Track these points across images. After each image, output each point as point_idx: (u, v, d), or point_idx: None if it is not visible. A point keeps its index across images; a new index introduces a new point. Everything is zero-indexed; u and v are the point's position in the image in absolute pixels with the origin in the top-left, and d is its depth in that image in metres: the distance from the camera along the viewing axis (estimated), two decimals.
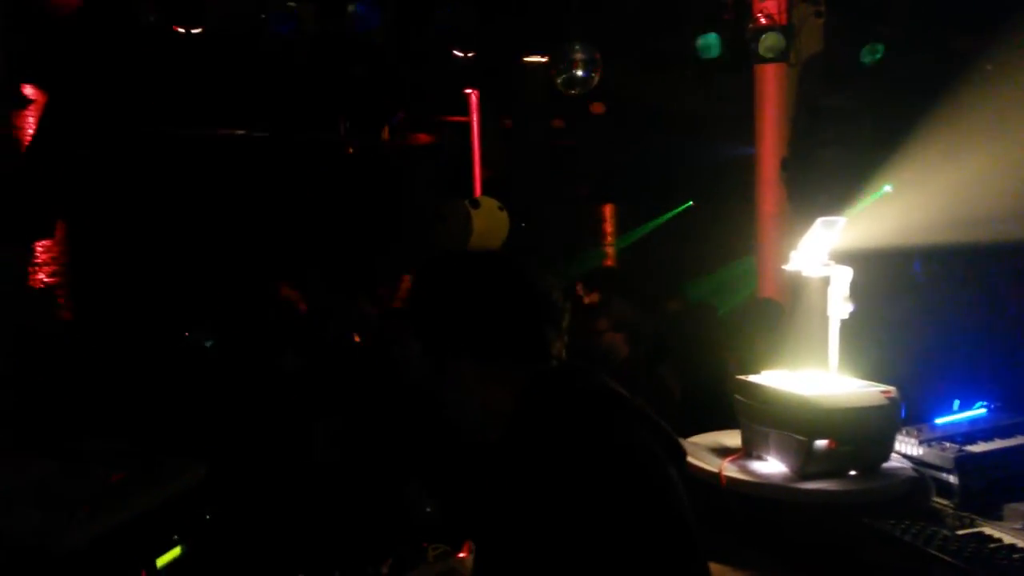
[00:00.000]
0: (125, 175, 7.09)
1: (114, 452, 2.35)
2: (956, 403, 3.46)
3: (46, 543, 1.79)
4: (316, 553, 2.64)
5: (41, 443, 2.35)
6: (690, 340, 4.86)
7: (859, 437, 2.85)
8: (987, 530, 2.66)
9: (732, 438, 3.28)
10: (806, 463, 2.83)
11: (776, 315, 4.75)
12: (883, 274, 6.16)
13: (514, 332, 1.47)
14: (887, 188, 6.99)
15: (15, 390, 4.14)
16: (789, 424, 2.87)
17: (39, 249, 7.41)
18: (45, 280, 7.52)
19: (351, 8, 4.54)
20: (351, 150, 9.12)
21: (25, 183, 4.63)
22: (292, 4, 4.41)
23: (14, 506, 1.92)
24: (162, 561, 2.11)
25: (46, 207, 5.40)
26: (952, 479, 2.92)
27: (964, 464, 2.90)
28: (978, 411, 3.40)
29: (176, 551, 2.17)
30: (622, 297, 5.38)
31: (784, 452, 2.92)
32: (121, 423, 3.05)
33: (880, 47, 5.75)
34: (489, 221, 5.93)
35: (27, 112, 5.95)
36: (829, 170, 5.60)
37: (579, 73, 5.01)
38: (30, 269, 7.22)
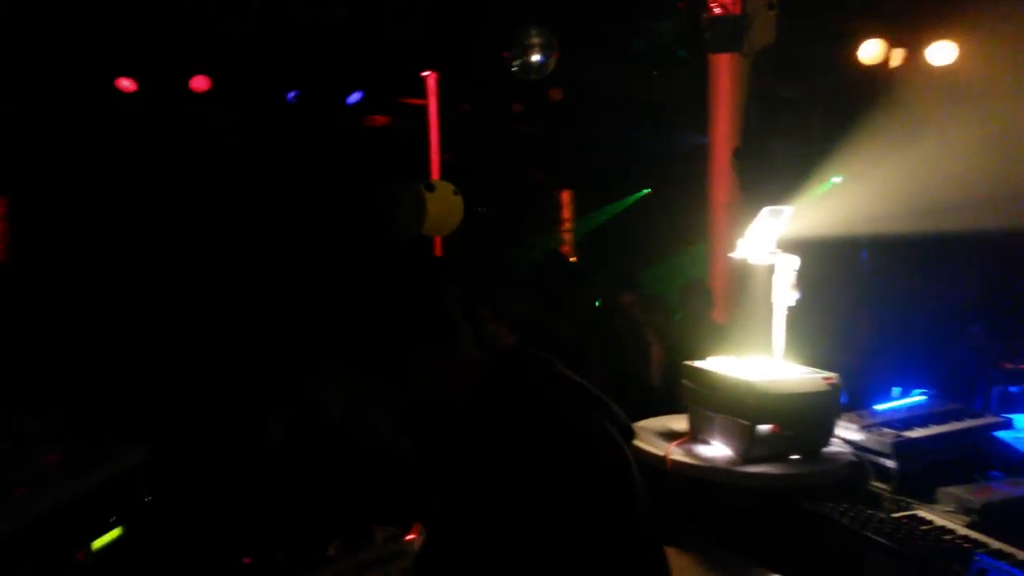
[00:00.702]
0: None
1: (52, 431, 2.29)
2: (896, 390, 3.56)
3: None
4: (261, 534, 2.61)
5: None
6: (637, 331, 4.93)
7: (801, 422, 2.91)
8: (921, 513, 2.74)
9: (680, 422, 3.33)
10: (750, 447, 2.88)
11: (705, 300, 4.83)
12: (832, 263, 6.30)
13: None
14: (835, 179, 7.14)
15: None
16: (734, 409, 2.91)
17: None
18: None
19: None
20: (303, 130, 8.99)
21: None
22: None
23: None
24: (99, 543, 2.08)
25: None
26: (890, 464, 3.00)
27: (901, 449, 2.99)
28: (917, 398, 3.49)
29: (114, 533, 2.13)
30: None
31: (729, 436, 2.97)
32: (60, 400, 2.97)
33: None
34: (444, 205, 5.92)
35: None
36: (780, 160, 5.69)
37: (535, 58, 5.00)
38: None
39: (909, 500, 2.89)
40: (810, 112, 6.00)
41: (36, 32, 5.60)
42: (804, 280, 3.23)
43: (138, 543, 2.19)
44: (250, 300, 5.72)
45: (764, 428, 2.87)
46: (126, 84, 7.75)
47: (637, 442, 3.18)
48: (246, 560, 2.48)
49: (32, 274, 7.20)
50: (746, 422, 2.87)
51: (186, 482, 2.82)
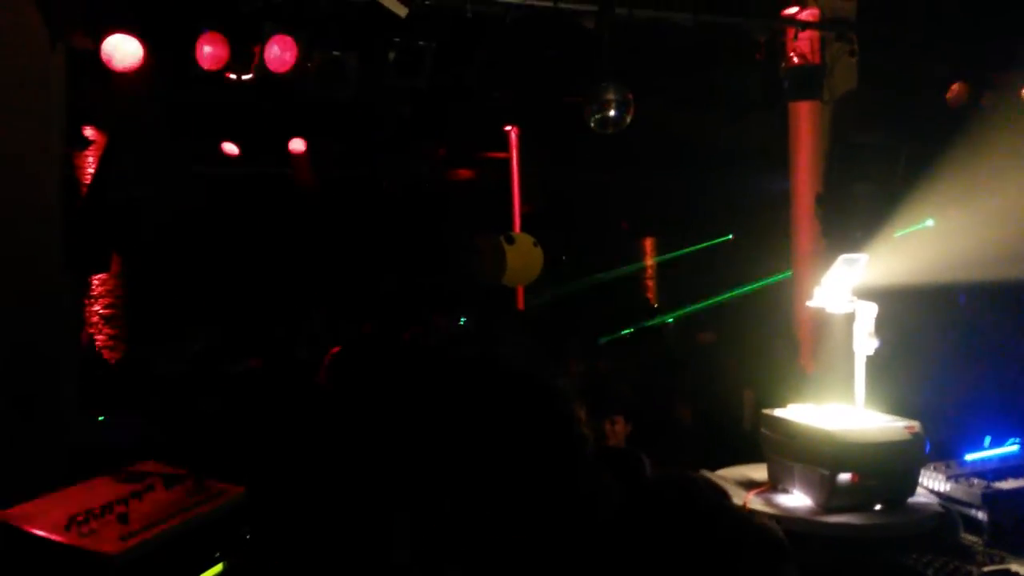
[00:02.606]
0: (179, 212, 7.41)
1: (168, 475, 2.50)
2: (987, 439, 3.46)
3: (108, 552, 1.96)
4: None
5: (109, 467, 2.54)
6: (716, 372, 4.92)
7: (882, 471, 2.88)
8: (1015, 567, 2.66)
9: (759, 471, 3.32)
10: (830, 496, 2.86)
11: (791, 351, 4.79)
12: (928, 309, 6.13)
13: None
14: (929, 222, 6.96)
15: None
16: (812, 457, 2.91)
17: (95, 282, 7.77)
18: (100, 311, 7.86)
19: (392, 55, 4.74)
20: (392, 187, 9.38)
21: (85, 221, 4.90)
22: (336, 53, 4.62)
23: (81, 519, 2.09)
24: None
25: (104, 243, 5.67)
26: (980, 515, 2.92)
27: (992, 500, 2.91)
28: (1010, 448, 3.39)
29: (219, 568, 2.30)
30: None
31: (808, 485, 2.96)
32: (174, 448, 3.22)
33: None
34: (523, 257, 6.08)
35: (87, 153, 6.28)
36: (863, 206, 5.62)
37: (612, 113, 5.14)
38: (86, 300, 7.56)
39: (1004, 554, 2.81)
40: (894, 157, 5.92)
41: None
42: (897, 326, 3.20)
43: None
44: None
45: (844, 477, 2.85)
46: (230, 148, 8.32)
47: None
48: None
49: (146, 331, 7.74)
50: (825, 471, 2.86)
51: (280, 520, 2.99)
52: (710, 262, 11.92)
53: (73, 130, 6.32)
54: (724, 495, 1.55)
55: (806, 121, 6.22)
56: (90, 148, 6.45)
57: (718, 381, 5.10)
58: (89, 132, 6.62)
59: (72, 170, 6.15)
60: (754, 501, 3.03)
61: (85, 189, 5.45)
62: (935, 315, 6.34)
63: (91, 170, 6.14)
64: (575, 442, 1.39)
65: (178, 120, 6.34)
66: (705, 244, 12.16)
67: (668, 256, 12.44)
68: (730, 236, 11.92)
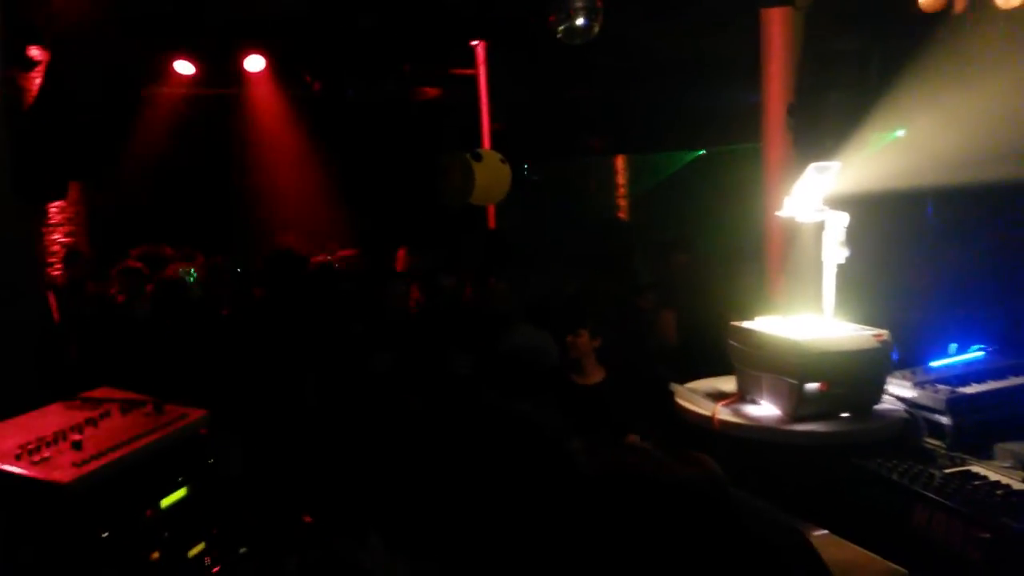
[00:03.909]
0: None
1: (125, 400, 2.44)
2: (953, 347, 3.49)
3: (60, 479, 1.91)
4: (317, 496, 2.74)
5: (64, 394, 2.48)
6: (695, 292, 4.90)
7: (850, 380, 2.89)
8: (975, 468, 2.70)
9: (728, 383, 3.34)
10: (798, 406, 2.88)
11: (752, 268, 4.77)
12: (896, 219, 6.12)
13: None
14: (899, 132, 6.89)
15: (42, 345, 4.27)
16: (781, 367, 2.91)
17: (53, 209, 7.53)
18: (61, 240, 7.64)
19: None
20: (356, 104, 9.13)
21: (32, 144, 4.69)
22: None
23: (33, 447, 2.04)
24: (167, 501, 2.22)
25: (57, 168, 5.46)
26: (944, 420, 2.96)
27: (956, 405, 2.94)
28: (975, 354, 3.42)
29: (181, 492, 2.27)
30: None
31: (776, 395, 2.97)
32: (134, 375, 3.15)
33: None
34: (491, 174, 5.94)
35: (33, 74, 5.99)
36: (835, 114, 5.54)
37: (580, 22, 4.95)
38: (44, 230, 7.34)
39: (964, 456, 2.85)
40: (867, 64, 5.80)
41: None
42: (866, 236, 3.17)
43: (202, 502, 2.33)
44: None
45: (812, 386, 2.86)
46: (185, 67, 8.01)
47: (684, 402, 3.21)
48: (307, 519, 2.61)
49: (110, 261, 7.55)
50: (793, 381, 2.86)
51: (247, 446, 2.97)
52: (683, 179, 11.85)
53: (16, 50, 6.02)
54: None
55: (778, 29, 6.06)
56: (36, 69, 6.15)
57: (699, 301, 5.08)
58: (34, 52, 6.31)
59: (17, 92, 5.88)
60: (722, 411, 3.05)
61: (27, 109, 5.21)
62: (902, 224, 6.35)
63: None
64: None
65: (127, 37, 6.05)
66: (678, 162, 12.07)
67: (640, 174, 12.33)
68: (702, 151, 11.81)
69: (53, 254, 7.58)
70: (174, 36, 7.12)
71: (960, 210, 6.82)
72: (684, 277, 5.55)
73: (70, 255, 7.20)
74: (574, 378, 4.03)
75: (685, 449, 1.64)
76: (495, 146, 7.39)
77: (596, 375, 4.04)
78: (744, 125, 7.08)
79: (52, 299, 5.30)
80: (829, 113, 5.61)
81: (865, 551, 2.36)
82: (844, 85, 5.68)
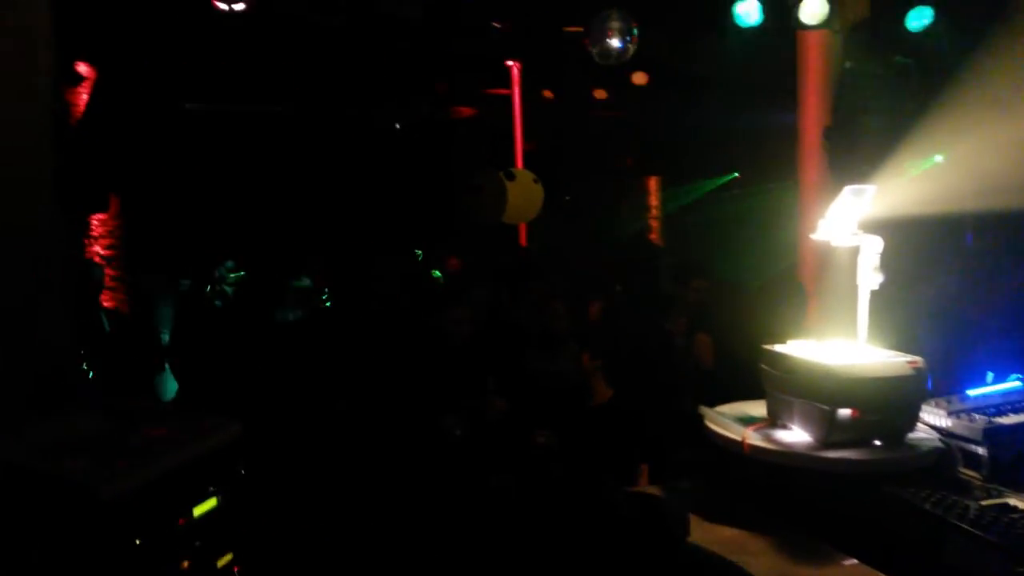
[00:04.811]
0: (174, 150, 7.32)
1: (158, 410, 2.49)
2: (990, 376, 3.42)
3: (94, 487, 1.94)
4: (348, 504, 2.76)
5: (93, 401, 2.52)
6: (715, 318, 4.87)
7: (883, 407, 2.84)
8: (1012, 501, 2.64)
9: (758, 408, 3.30)
10: (829, 432, 2.83)
11: (799, 295, 4.71)
12: (935, 244, 6.04)
13: None
14: (937, 158, 6.81)
15: (73, 353, 4.36)
16: (812, 393, 2.87)
17: (94, 222, 7.70)
18: (100, 252, 7.81)
19: None
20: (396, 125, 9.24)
21: (77, 157, 4.82)
22: None
23: (68, 454, 2.08)
24: (199, 511, 2.25)
25: (99, 181, 5.60)
26: (980, 450, 2.90)
27: (992, 435, 2.88)
28: (1012, 384, 3.35)
29: (212, 502, 2.30)
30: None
31: (808, 421, 2.93)
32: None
33: (928, 10, 5.60)
34: (524, 193, 5.98)
35: (80, 89, 6.16)
36: (872, 138, 5.50)
37: (614, 43, 4.98)
38: (85, 241, 7.51)
39: (1001, 488, 2.79)
40: (904, 88, 5.76)
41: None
42: (903, 262, 3.13)
43: (233, 512, 2.36)
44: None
45: (844, 413, 2.81)
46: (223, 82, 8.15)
47: (714, 426, 3.19)
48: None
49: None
50: (825, 407, 2.82)
51: (275, 455, 3.00)
52: (717, 200, 11.79)
53: (65, 66, 6.21)
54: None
55: (815, 51, 6.05)
56: (82, 84, 6.33)
57: (722, 327, 5.03)
58: (82, 68, 6.49)
59: (65, 107, 6.05)
60: (752, 436, 3.02)
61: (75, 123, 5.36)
62: (941, 250, 6.27)
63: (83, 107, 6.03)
64: None
65: (169, 55, 6.20)
66: (711, 184, 12.02)
67: (673, 196, 12.28)
68: (736, 174, 11.76)
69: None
70: (217, 54, 7.28)
71: (1000, 237, 6.72)
72: (711, 301, 5.50)
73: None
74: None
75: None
76: (527, 165, 7.44)
77: (604, 395, 4.05)
78: (781, 148, 7.06)
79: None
80: (865, 136, 5.56)
81: None
82: (880, 109, 5.63)
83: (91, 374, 4.45)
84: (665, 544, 1.60)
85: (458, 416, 3.88)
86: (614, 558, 1.52)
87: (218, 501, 2.31)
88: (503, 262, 6.11)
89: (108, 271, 7.96)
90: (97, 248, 8.00)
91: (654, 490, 3.21)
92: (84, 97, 6.14)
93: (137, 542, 2.01)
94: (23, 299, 2.76)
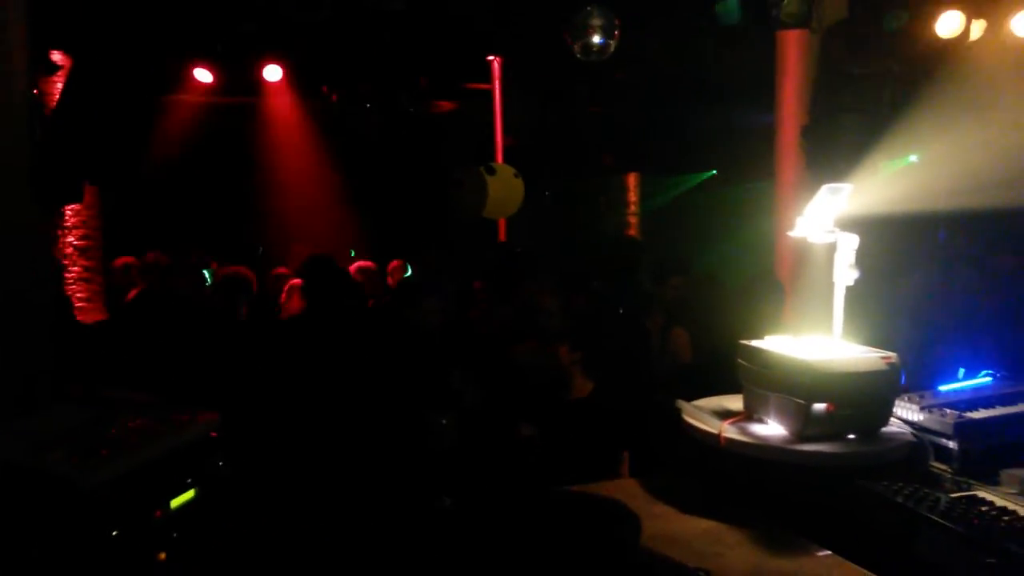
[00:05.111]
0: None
1: (137, 402, 2.47)
2: (961, 372, 3.49)
3: (74, 478, 1.93)
4: (327, 498, 2.76)
5: (72, 393, 2.51)
6: (695, 314, 4.91)
7: (858, 401, 2.89)
8: (981, 493, 2.69)
9: (736, 402, 3.34)
10: (804, 426, 2.88)
11: (777, 293, 4.75)
12: (908, 242, 6.13)
13: None
14: (912, 158, 6.91)
15: (54, 346, 4.31)
16: (788, 387, 2.91)
17: (68, 213, 7.61)
18: (74, 243, 7.72)
19: None
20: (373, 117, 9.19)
21: (52, 148, 4.74)
22: None
23: (47, 446, 2.06)
24: (176, 502, 2.24)
25: (74, 172, 5.51)
26: (951, 444, 2.95)
27: (963, 429, 2.94)
28: (983, 379, 3.42)
29: (190, 494, 2.29)
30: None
31: (783, 415, 2.97)
32: (146, 377, 3.18)
33: (905, 14, 5.67)
34: (505, 188, 5.99)
35: (55, 79, 6.07)
36: (849, 138, 5.56)
37: (596, 39, 4.99)
38: (58, 232, 7.42)
39: (970, 481, 2.84)
40: (881, 88, 5.83)
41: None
42: (877, 259, 3.17)
43: (210, 504, 2.35)
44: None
45: (819, 407, 2.86)
46: (203, 75, 8.07)
47: (690, 419, 3.22)
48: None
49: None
50: (800, 401, 2.87)
51: (254, 447, 2.98)
52: (695, 198, 11.86)
53: (39, 54, 6.11)
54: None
55: (794, 51, 6.11)
56: (57, 73, 6.23)
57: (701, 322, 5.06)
58: (57, 57, 6.40)
59: (39, 96, 5.95)
60: (729, 429, 3.05)
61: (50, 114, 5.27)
62: (914, 248, 6.37)
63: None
64: None
65: (148, 45, 6.13)
66: (689, 183, 12.09)
67: (652, 193, 12.34)
68: (714, 172, 11.84)
69: (67, 256, 7.66)
70: (194, 44, 7.21)
71: (971, 235, 6.84)
72: (688, 297, 5.53)
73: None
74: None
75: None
76: (508, 160, 7.44)
77: (583, 388, 4.07)
78: (756, 146, 7.12)
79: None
80: (843, 135, 5.63)
81: (868, 573, 2.36)
82: (858, 108, 5.70)
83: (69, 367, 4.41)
84: (613, 551, 1.61)
85: (442, 408, 3.88)
86: (560, 570, 1.54)
87: (196, 493, 2.30)
88: (488, 258, 6.11)
89: (81, 262, 7.89)
90: (71, 239, 7.91)
91: (632, 483, 3.24)
92: (59, 86, 6.05)
93: (114, 533, 2.00)
94: (17, 296, 2.74)
